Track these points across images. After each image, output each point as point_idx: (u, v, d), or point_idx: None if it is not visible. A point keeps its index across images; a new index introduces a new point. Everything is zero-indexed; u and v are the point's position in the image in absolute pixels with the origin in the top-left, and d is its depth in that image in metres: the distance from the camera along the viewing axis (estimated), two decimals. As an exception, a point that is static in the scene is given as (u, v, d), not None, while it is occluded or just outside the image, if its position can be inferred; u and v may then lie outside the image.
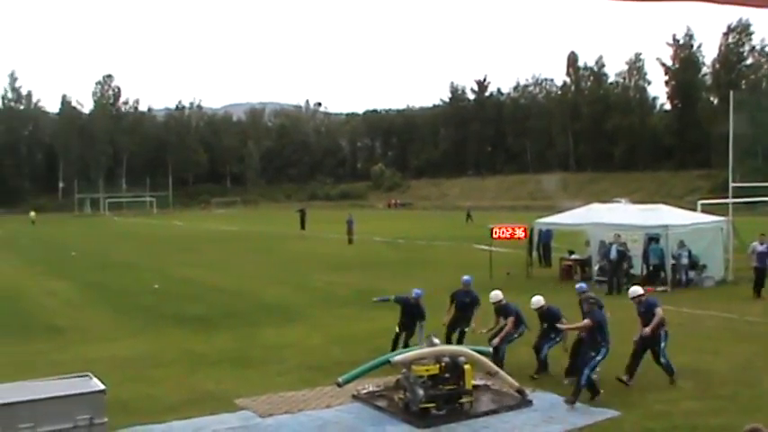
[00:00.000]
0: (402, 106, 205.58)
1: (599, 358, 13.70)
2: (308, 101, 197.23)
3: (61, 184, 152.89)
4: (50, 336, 21.58)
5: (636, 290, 15.74)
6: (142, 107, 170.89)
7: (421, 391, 12.81)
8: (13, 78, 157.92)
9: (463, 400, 13.13)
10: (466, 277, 18.50)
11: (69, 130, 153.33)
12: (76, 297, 30.10)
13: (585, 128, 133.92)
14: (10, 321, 24.22)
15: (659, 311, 14.99)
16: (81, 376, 12.14)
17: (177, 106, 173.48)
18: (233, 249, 50.08)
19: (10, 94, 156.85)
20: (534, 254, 34.37)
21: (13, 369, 15.95)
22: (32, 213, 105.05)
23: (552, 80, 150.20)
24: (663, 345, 14.88)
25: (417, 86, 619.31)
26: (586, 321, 13.92)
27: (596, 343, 13.77)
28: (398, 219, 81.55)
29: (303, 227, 64.91)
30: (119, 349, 19.06)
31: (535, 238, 34.18)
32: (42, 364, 16.99)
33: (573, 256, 32.13)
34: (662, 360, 14.83)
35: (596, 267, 30.13)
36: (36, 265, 42.86)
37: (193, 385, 15.12)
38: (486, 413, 13.18)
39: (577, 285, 16.44)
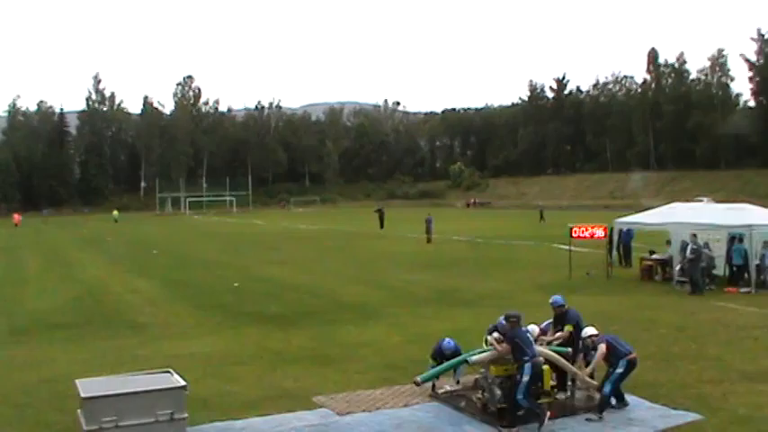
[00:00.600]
0: (481, 105, 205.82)
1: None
2: (386, 100, 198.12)
3: (143, 184, 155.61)
4: (133, 332, 21.95)
5: (588, 330, 13.85)
6: (222, 107, 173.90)
7: (499, 392, 12.72)
8: (96, 81, 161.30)
9: (542, 400, 13.00)
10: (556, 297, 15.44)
11: (151, 131, 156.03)
12: (158, 294, 30.55)
13: (666, 126, 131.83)
14: (95, 318, 24.71)
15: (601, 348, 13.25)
16: (162, 372, 12.33)
17: (256, 106, 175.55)
18: (312, 248, 50.35)
19: (94, 96, 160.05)
20: (614, 254, 33.92)
21: (98, 364, 16.27)
22: (115, 212, 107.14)
23: (632, 77, 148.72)
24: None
25: (496, 85, 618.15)
26: (504, 346, 12.84)
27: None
28: (477, 218, 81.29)
29: (382, 226, 65.05)
30: (199, 346, 19.30)
31: (615, 238, 33.74)
32: (126, 359, 17.32)
33: (654, 257, 31.57)
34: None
35: (677, 268, 29.42)
36: (119, 264, 43.65)
37: (272, 382, 15.23)
38: (565, 414, 13.04)
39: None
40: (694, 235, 28.15)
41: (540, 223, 72.94)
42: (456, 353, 13.79)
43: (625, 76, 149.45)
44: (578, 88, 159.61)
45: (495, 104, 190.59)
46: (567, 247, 33.46)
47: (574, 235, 31.93)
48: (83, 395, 11.45)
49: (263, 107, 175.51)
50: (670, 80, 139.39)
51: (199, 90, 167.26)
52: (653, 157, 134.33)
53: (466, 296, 27.12)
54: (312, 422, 12.86)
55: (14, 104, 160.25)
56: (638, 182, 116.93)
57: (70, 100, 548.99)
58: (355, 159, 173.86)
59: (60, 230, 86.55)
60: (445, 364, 13.92)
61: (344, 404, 13.80)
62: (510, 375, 12.76)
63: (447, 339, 14.23)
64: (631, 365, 13.11)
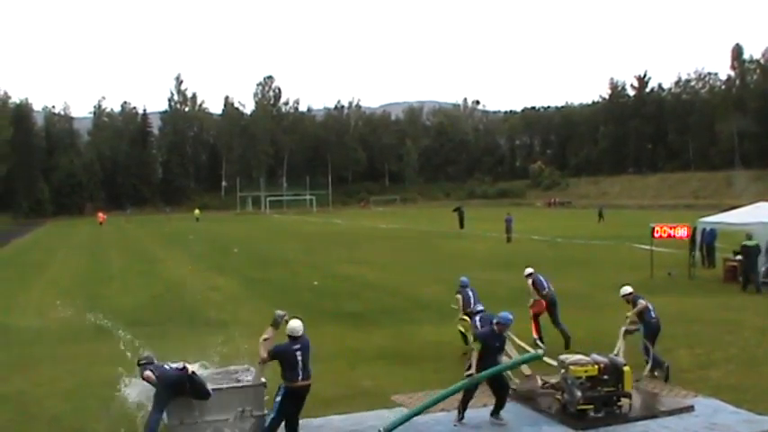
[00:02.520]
0: (561, 103, 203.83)
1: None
2: (466, 99, 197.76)
3: (224, 183, 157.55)
4: (214, 329, 22.25)
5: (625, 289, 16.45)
6: (302, 107, 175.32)
7: (579, 393, 12.64)
8: (178, 81, 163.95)
9: (622, 402, 12.89)
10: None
11: (232, 131, 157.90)
12: (239, 292, 30.95)
13: (752, 124, 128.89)
14: (177, 315, 25.16)
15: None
16: (242, 369, 12.53)
17: (336, 106, 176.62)
18: (391, 247, 50.46)
19: (176, 97, 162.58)
20: (697, 254, 33.34)
21: (179, 360, 16.54)
22: (197, 211, 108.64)
23: (716, 74, 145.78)
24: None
25: (576, 83, 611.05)
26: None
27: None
28: (557, 217, 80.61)
29: (462, 226, 64.85)
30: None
31: (698, 238, 33.16)
32: (206, 356, 17.59)
33: (738, 257, 30.97)
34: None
35: (763, 269, 28.81)
36: (200, 262, 44.29)
37: (351, 381, 15.35)
38: (646, 417, 12.89)
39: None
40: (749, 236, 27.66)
41: (600, 223, 72.59)
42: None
43: (708, 73, 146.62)
44: (660, 86, 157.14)
45: (576, 103, 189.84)
46: (649, 248, 33.05)
47: (655, 235, 31.53)
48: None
49: (342, 106, 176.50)
50: (755, 76, 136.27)
51: (279, 90, 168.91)
52: (737, 156, 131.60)
53: (545, 296, 26.95)
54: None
55: (99, 105, 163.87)
56: (743, 180, 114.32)
57: (153, 101, 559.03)
58: (435, 158, 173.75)
59: (143, 229, 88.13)
60: (516, 359, 13.81)
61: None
62: (591, 376, 12.69)
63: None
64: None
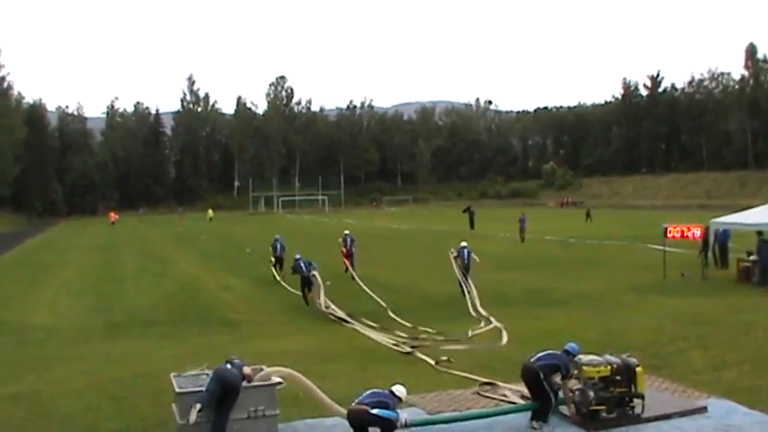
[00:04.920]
0: (573, 103, 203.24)
1: None
2: (478, 99, 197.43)
3: (236, 183, 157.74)
4: (226, 329, 22.36)
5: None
6: (314, 107, 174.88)
7: (591, 393, 12.60)
8: (191, 82, 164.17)
9: (634, 403, 12.84)
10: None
11: (244, 131, 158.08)
12: (251, 292, 31.03)
13: (765, 123, 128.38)
14: (189, 314, 25.25)
15: None
16: (255, 368, 12.53)
17: (348, 106, 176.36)
18: (403, 247, 50.49)
19: (189, 97, 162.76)
20: (710, 254, 33.17)
21: (192, 360, 16.58)
22: (210, 211, 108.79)
23: (729, 74, 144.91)
24: None
25: (589, 83, 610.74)
26: None
27: None
28: (570, 217, 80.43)
29: (472, 226, 64.67)
30: (290, 344, 19.52)
31: (711, 239, 33.01)
32: (218, 355, 17.60)
33: (751, 258, 30.83)
34: None
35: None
36: (213, 261, 44.41)
37: (363, 380, 15.27)
38: (658, 418, 12.82)
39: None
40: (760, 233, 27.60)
41: (587, 223, 72.75)
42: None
43: (722, 73, 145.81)
44: (673, 86, 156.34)
45: (588, 103, 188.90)
46: (662, 248, 32.97)
47: (668, 235, 31.44)
48: (177, 390, 11.71)
49: (355, 107, 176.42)
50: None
51: (291, 90, 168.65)
52: (751, 156, 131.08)
53: (557, 296, 26.94)
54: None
55: (112, 106, 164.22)
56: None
57: (166, 101, 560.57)
58: (447, 158, 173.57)
59: (155, 229, 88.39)
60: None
61: (435, 403, 13.82)
62: (604, 377, 12.64)
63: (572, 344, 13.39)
64: None
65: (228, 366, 11.72)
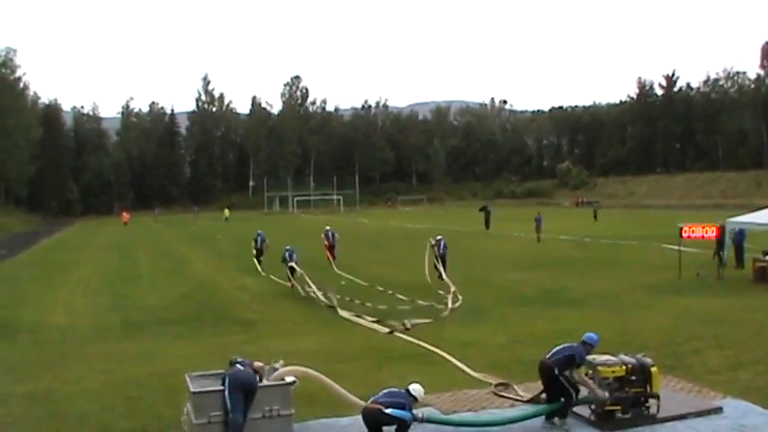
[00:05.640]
0: (588, 103, 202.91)
1: None
2: (493, 99, 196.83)
3: (251, 183, 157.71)
4: (241, 328, 22.42)
5: None
6: (329, 107, 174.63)
7: (606, 393, 12.59)
8: (206, 82, 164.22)
9: (650, 403, 12.81)
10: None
11: (259, 131, 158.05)
12: (266, 292, 31.10)
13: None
14: (204, 314, 25.33)
15: None
16: (269, 368, 12.56)
17: (363, 106, 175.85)
18: (418, 247, 50.40)
19: (204, 97, 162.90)
20: (725, 254, 33.00)
21: (207, 359, 16.65)
22: (226, 211, 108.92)
23: (745, 73, 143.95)
24: None
25: (604, 82, 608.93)
26: None
27: None
28: (585, 217, 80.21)
29: (488, 226, 64.62)
30: (305, 343, 19.57)
31: (727, 238, 32.88)
32: (233, 355, 17.65)
33: (767, 257, 30.70)
34: None
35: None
36: (228, 261, 44.53)
37: (378, 380, 15.29)
38: (674, 418, 12.79)
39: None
40: None
41: (595, 223, 72.80)
42: None
43: (737, 72, 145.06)
44: (688, 85, 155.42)
45: (604, 102, 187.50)
46: (677, 248, 32.88)
47: (684, 235, 31.36)
48: (192, 389, 11.76)
49: (369, 106, 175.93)
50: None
51: (306, 90, 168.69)
52: (766, 155, 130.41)
53: (573, 296, 26.91)
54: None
55: (128, 106, 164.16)
56: None
57: (180, 101, 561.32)
58: (462, 158, 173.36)
59: (171, 229, 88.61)
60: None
61: (450, 403, 13.85)
62: (619, 377, 12.61)
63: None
64: None
65: (240, 368, 11.75)
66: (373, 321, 22.59)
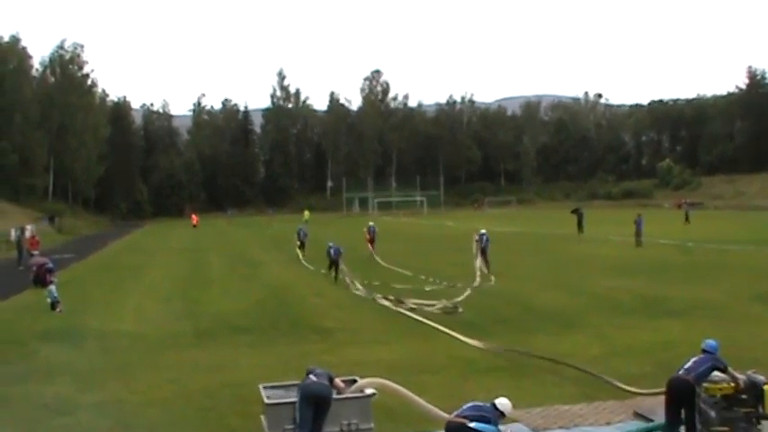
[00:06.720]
0: (692, 95, 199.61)
1: None
2: (587, 92, 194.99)
3: (329, 184, 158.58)
4: (319, 337, 22.48)
5: None
6: (411, 103, 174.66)
7: (713, 413, 12.30)
8: (281, 77, 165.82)
9: (762, 425, 12.49)
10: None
11: (338, 128, 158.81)
12: (345, 298, 31.15)
13: None
14: (280, 321, 25.45)
15: None
16: (348, 379, 12.58)
17: (448, 101, 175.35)
18: (506, 251, 50.16)
19: (279, 93, 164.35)
20: None
21: (282, 369, 16.74)
22: (306, 213, 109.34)
23: None
24: None
25: (709, 72, 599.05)
26: None
27: None
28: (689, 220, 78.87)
29: (581, 229, 63.99)
30: (387, 353, 19.58)
31: None
32: (310, 365, 17.72)
33: None
34: None
35: None
36: (305, 266, 44.69)
37: (463, 393, 15.16)
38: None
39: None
40: None
41: (686, 225, 71.90)
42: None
43: None
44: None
45: (709, 94, 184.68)
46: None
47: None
48: (266, 401, 11.84)
49: (454, 102, 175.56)
50: None
51: (387, 85, 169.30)
52: None
53: (675, 305, 26.42)
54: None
55: (199, 103, 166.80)
56: None
57: (255, 97, 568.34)
58: (554, 156, 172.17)
59: (245, 231, 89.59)
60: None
61: (540, 419, 13.73)
62: (726, 395, 12.33)
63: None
64: None
65: (313, 378, 11.77)
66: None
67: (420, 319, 24.52)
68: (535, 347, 19.76)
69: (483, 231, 40.91)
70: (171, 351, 20.94)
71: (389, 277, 37.31)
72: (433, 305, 27.08)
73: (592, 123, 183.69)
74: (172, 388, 16.51)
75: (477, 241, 40.18)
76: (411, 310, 26.53)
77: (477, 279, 34.55)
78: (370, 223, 54.04)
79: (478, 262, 37.90)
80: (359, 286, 33.31)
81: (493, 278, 35.17)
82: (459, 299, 28.66)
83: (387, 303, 28.40)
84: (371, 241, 50.76)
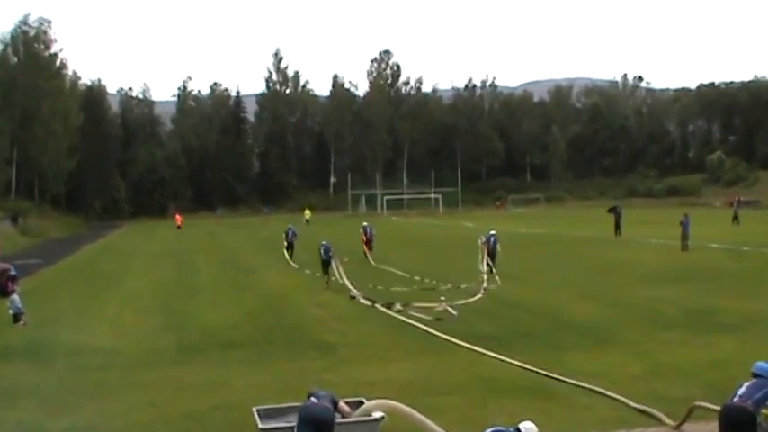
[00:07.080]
0: (747, 77, 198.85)
1: None
2: (625, 75, 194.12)
3: (333, 179, 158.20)
4: (320, 353, 22.51)
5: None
6: (425, 88, 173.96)
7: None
8: (278, 58, 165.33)
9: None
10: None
11: (342, 117, 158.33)
12: (349, 309, 31.20)
13: None
14: (276, 335, 25.52)
15: None
16: (354, 401, 12.62)
17: (467, 86, 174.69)
18: (533, 256, 50.25)
19: (275, 77, 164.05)
20: None
21: (279, 389, 16.78)
22: (307, 212, 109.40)
23: None
24: None
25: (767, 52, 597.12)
26: None
27: None
28: (742, 220, 78.67)
29: (618, 231, 63.97)
30: (396, 371, 19.60)
31: None
32: (311, 386, 17.76)
33: None
34: None
35: None
36: (305, 272, 44.72)
37: (483, 417, 15.15)
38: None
39: None
40: None
41: (734, 225, 72.28)
42: None
43: None
44: None
45: (767, 77, 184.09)
46: None
47: None
48: (261, 425, 11.88)
49: (474, 86, 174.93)
50: None
51: (398, 67, 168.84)
52: None
53: (727, 319, 26.39)
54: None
55: (184, 87, 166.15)
56: None
57: (247, 81, 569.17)
58: (587, 149, 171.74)
59: (236, 233, 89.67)
60: None
61: (570, 447, 13.76)
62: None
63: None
64: None
65: (314, 401, 11.81)
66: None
67: (433, 332, 24.56)
68: (568, 365, 19.78)
69: (492, 232, 43.29)
70: (152, 369, 20.99)
71: (389, 281, 38.84)
72: (430, 308, 28.78)
73: (631, 110, 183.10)
74: (153, 411, 16.55)
75: (483, 244, 41.92)
76: (399, 312, 28.60)
77: (485, 283, 36.08)
78: (365, 223, 55.58)
79: (484, 266, 39.58)
80: (352, 288, 35.06)
81: (498, 278, 37.48)
82: (461, 302, 30.28)
83: (368, 303, 31.40)
84: (368, 243, 52.63)
